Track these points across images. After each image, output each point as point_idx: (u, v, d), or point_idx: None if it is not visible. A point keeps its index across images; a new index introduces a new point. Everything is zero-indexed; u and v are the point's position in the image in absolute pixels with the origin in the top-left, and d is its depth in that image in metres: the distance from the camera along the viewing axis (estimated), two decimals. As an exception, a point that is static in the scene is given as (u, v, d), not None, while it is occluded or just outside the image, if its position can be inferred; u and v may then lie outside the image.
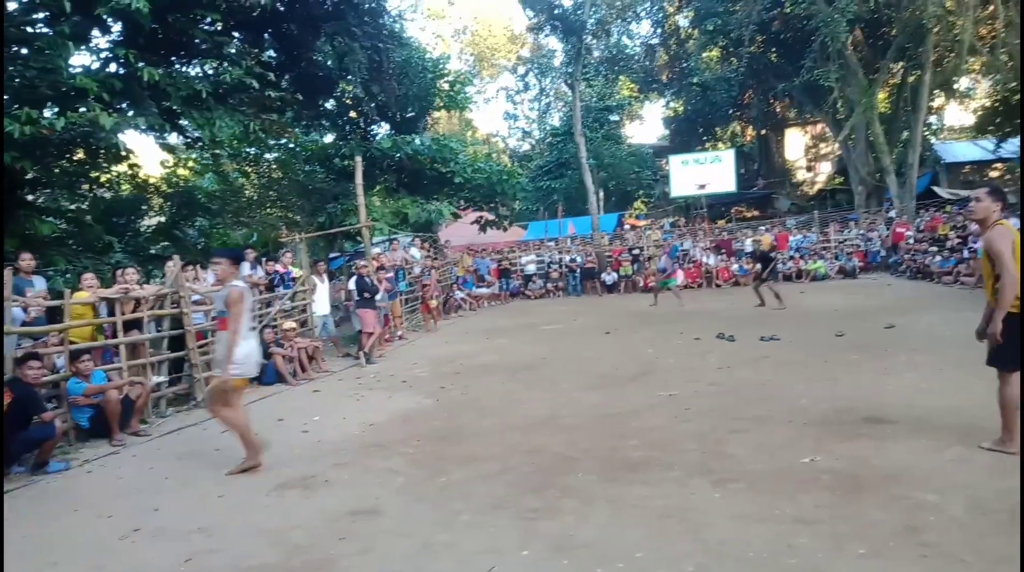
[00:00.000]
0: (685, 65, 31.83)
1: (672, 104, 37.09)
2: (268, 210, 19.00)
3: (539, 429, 5.80)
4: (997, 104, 25.42)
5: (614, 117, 35.57)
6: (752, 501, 3.88)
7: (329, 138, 19.71)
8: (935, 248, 17.18)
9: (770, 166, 37.17)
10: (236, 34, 12.74)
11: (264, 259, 11.27)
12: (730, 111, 33.56)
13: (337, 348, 11.36)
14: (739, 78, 29.62)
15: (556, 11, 22.77)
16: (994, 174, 28.98)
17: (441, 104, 20.68)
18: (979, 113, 28.77)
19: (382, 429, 6.26)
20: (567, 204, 31.09)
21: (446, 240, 21.44)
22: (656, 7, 30.71)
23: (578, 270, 21.49)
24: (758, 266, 14.51)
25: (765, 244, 15.18)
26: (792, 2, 23.12)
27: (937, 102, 28.99)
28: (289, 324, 9.72)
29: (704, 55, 31.68)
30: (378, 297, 10.98)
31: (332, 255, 19.01)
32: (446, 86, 20.15)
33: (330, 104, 18.46)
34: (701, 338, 10.08)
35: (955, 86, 27.12)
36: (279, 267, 11.01)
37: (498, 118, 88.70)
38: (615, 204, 34.52)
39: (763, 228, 24.00)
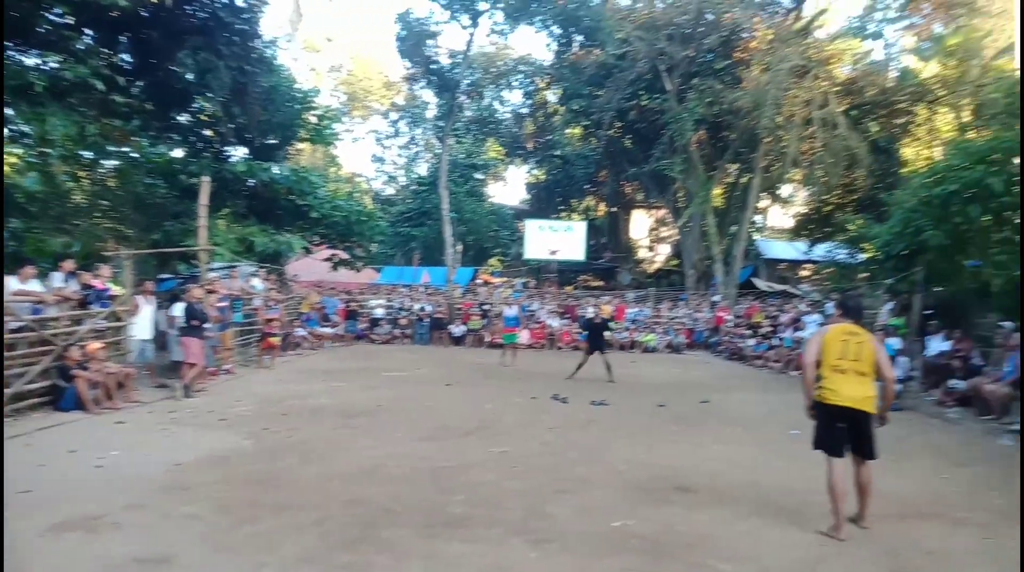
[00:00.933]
0: (550, 137, 33.55)
1: (535, 171, 38.72)
2: (96, 220, 17.28)
3: (364, 479, 5.61)
4: (812, 212, 28.95)
5: (479, 175, 36.54)
6: (565, 563, 3.97)
7: (178, 153, 18.50)
8: (749, 332, 18.97)
9: (617, 242, 39.61)
10: (88, 31, 11.77)
11: (81, 272, 10.19)
12: (586, 186, 35.57)
13: (152, 377, 10.39)
14: (596, 157, 31.70)
15: (433, 66, 23.26)
16: (804, 273, 32.76)
17: (306, 136, 20.15)
18: (796, 218, 32.59)
19: (189, 470, 5.75)
20: (424, 253, 31.17)
21: (294, 274, 20.59)
22: (528, 80, 32.30)
23: (427, 319, 21.39)
24: (584, 335, 14.75)
25: (605, 313, 15.84)
26: (648, 97, 25.24)
27: (763, 203, 32.46)
28: (95, 345, 8.76)
29: (568, 131, 33.54)
30: (207, 326, 10.26)
31: (163, 276, 17.59)
32: (313, 119, 19.72)
33: (184, 118, 17.41)
34: (538, 397, 10.33)
35: (778, 192, 30.64)
36: (96, 282, 9.99)
37: (365, 159, 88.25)
38: (471, 258, 35.07)
39: (605, 298, 25.35)
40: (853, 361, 4.53)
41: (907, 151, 27.12)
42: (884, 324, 12.94)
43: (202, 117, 17.37)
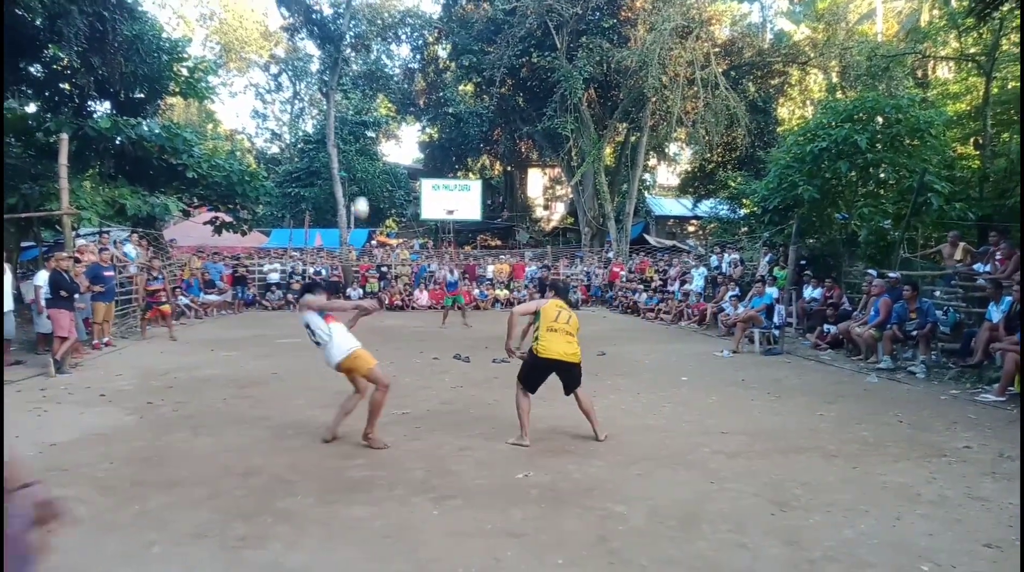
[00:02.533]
0: (442, 94, 32.88)
1: (428, 129, 37.99)
2: (-64, 182, 15.43)
3: (260, 450, 5.39)
4: (696, 170, 30.22)
5: (370, 133, 35.45)
6: (468, 517, 4.00)
7: (32, 108, 16.70)
8: (641, 287, 19.73)
9: (514, 201, 39.84)
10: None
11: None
12: (481, 145, 35.33)
13: (7, 354, 9.48)
14: (490, 115, 31.44)
15: (314, 16, 22.07)
16: (691, 229, 34.32)
17: (177, 90, 18.61)
18: (682, 176, 33.93)
19: (67, 450, 5.33)
20: (316, 214, 30.11)
21: (171, 239, 19.30)
22: (417, 34, 31.36)
23: (323, 283, 20.78)
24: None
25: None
26: (538, 54, 25.19)
27: (651, 162, 33.52)
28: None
29: (460, 88, 33.03)
30: (77, 296, 9.47)
31: (25, 244, 16.03)
32: (185, 71, 18.22)
33: (36, 69, 15.67)
34: (439, 358, 10.30)
35: (666, 150, 31.70)
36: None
37: (245, 115, 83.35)
38: (366, 219, 34.22)
39: (504, 256, 25.54)
40: (564, 325, 5.71)
41: (782, 110, 28.76)
42: (763, 275, 13.78)
43: (57, 68, 15.70)
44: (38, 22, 13.25)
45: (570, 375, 5.76)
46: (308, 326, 5.62)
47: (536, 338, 5.78)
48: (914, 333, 9.46)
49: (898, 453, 5.32)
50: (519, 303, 20.64)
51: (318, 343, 5.63)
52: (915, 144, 12.67)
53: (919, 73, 21.81)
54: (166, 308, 12.90)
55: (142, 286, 13.09)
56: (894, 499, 4.27)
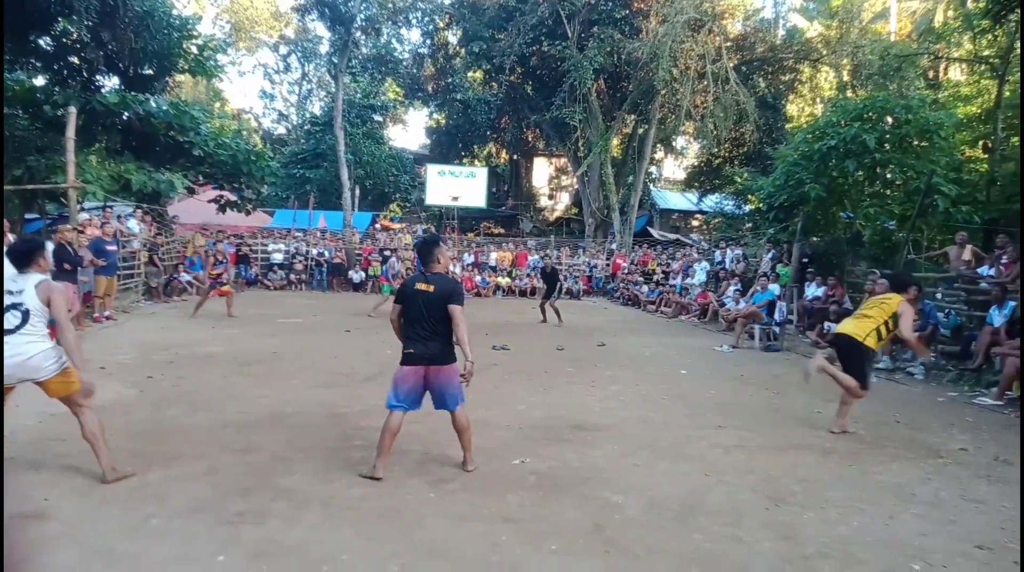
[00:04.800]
0: (451, 80, 32.67)
1: (435, 115, 37.78)
2: (-57, 152, 15.42)
3: (259, 427, 5.42)
4: (703, 165, 30.10)
5: (378, 117, 35.30)
6: (465, 501, 4.02)
7: (40, 81, 16.66)
8: (642, 279, 19.71)
9: (518, 189, 39.70)
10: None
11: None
12: (488, 132, 35.14)
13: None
14: (498, 103, 31.27)
15: (325, -3, 21.95)
16: (695, 223, 34.23)
17: (186, 67, 18.57)
18: (689, 170, 33.79)
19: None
20: (320, 196, 30.03)
21: (174, 215, 19.30)
22: (427, 19, 31.15)
23: (325, 265, 20.78)
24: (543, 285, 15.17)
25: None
26: (549, 43, 25.04)
27: (658, 155, 33.40)
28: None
29: (469, 75, 32.82)
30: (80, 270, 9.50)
31: (29, 216, 16.05)
32: (194, 49, 18.19)
33: (46, 42, 15.63)
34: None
35: (673, 143, 31.56)
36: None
37: (253, 95, 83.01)
38: (370, 203, 34.13)
39: (507, 244, 25.50)
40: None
41: (791, 107, 28.58)
42: (766, 271, 13.77)
43: (67, 41, 15.66)
44: (49, -6, 13.22)
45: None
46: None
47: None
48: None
49: (895, 453, 5.34)
50: (520, 291, 20.81)
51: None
52: (924, 146, 12.60)
53: (931, 74, 21.66)
54: (228, 289, 13.04)
55: (208, 268, 13.17)
56: (889, 498, 4.29)
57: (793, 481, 4.55)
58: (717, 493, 4.29)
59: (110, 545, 3.26)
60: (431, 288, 4.39)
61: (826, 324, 11.70)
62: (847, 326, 6.07)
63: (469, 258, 22.74)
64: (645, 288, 18.95)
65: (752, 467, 4.84)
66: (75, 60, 16.30)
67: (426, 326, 4.37)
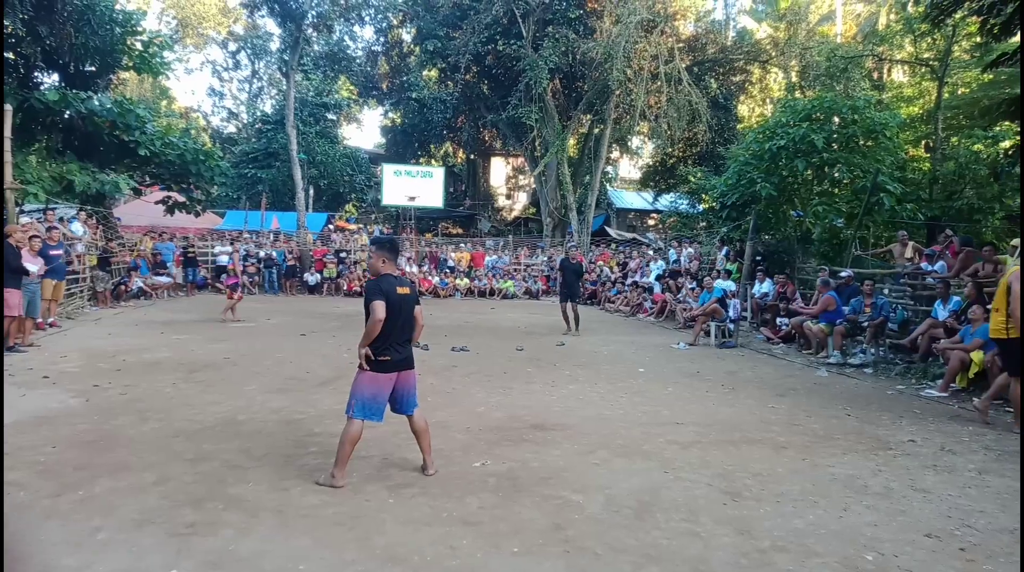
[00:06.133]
0: (406, 79, 32.44)
1: (391, 114, 37.46)
2: None
3: (210, 435, 5.26)
4: (657, 164, 30.51)
5: (331, 115, 34.84)
6: (424, 505, 3.96)
7: (-28, 76, 15.93)
8: (601, 277, 19.87)
9: (476, 189, 39.63)
10: None
11: None
12: (444, 131, 35.00)
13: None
14: (454, 102, 31.18)
15: (275, -8, 21.52)
16: (651, 222, 34.66)
17: (131, 64, 17.98)
18: (644, 169, 34.21)
19: (7, 433, 5.09)
20: (273, 197, 29.50)
21: (118, 218, 18.67)
22: (380, 16, 30.84)
23: (275, 267, 20.38)
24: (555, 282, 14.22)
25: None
26: (504, 42, 25.05)
27: (614, 155, 33.72)
28: None
29: (424, 73, 32.64)
30: (34, 269, 9.14)
31: (-39, 220, 15.32)
32: (139, 45, 17.62)
33: (-23, 35, 14.94)
34: (397, 345, 10.19)
35: (628, 143, 31.91)
36: None
37: (201, 93, 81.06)
38: (325, 204, 33.65)
39: (465, 245, 25.42)
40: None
41: (743, 108, 29.19)
42: (719, 269, 14.02)
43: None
44: (-20, -15, 12.62)
45: None
46: None
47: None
48: (865, 323, 9.77)
49: (846, 445, 5.47)
50: (479, 292, 20.76)
51: None
52: (870, 145, 13.00)
53: (875, 75, 22.38)
54: (239, 295, 13.25)
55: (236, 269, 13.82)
56: (842, 490, 4.39)
57: (748, 476, 4.62)
58: (674, 489, 4.33)
59: (52, 561, 3.11)
60: (408, 291, 4.31)
61: (778, 320, 11.98)
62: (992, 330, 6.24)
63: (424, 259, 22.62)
64: (608, 285, 19.07)
65: (708, 462, 4.90)
66: (10, 56, 15.63)
67: (405, 331, 4.30)
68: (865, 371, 9.17)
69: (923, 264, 10.74)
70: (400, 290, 4.25)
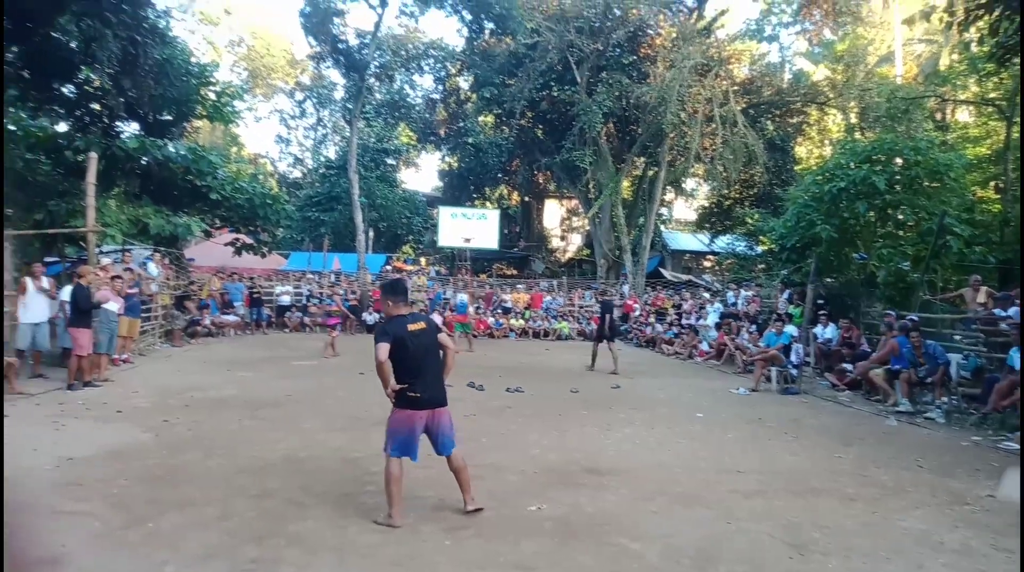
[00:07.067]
0: (462, 124, 33.32)
1: (447, 158, 38.39)
2: (-31, 197, 15.77)
3: (272, 472, 5.40)
4: (713, 206, 30.28)
5: (391, 160, 35.89)
6: (479, 548, 3.97)
7: (63, 127, 17.10)
8: (654, 320, 19.64)
9: (530, 231, 40.00)
10: (-51, -13, 10.62)
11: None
12: (499, 174, 35.65)
13: (35, 366, 9.60)
14: (509, 146, 31.80)
15: (340, 45, 22.54)
16: (707, 264, 34.23)
17: (204, 113, 19.05)
18: (699, 211, 33.97)
19: (82, 465, 5.37)
20: (335, 239, 30.39)
21: (191, 258, 19.54)
22: (439, 65, 31.96)
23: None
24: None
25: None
26: (559, 88, 25.54)
27: (668, 196, 33.65)
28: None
29: (480, 119, 33.48)
30: (115, 307, 9.69)
31: (49, 259, 16.29)
32: (212, 95, 18.67)
33: (68, 90, 16.09)
34: (453, 385, 10.24)
35: (683, 185, 31.84)
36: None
37: (269, 139, 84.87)
38: (384, 245, 34.47)
39: (519, 286, 25.58)
40: None
41: (800, 149, 28.84)
42: (781, 313, 13.69)
43: (88, 89, 16.11)
44: (73, 44, 13.65)
45: None
46: None
47: None
48: (928, 380, 9.36)
49: (919, 499, 5.22)
50: (533, 333, 20.76)
51: None
52: (934, 186, 12.64)
53: (939, 116, 21.84)
54: (335, 332, 14.45)
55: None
56: (915, 546, 4.19)
57: (815, 528, 4.46)
58: (737, 540, 4.21)
59: (126, 593, 3.23)
60: (423, 326, 4.41)
61: (844, 366, 11.59)
62: None
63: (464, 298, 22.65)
64: (660, 327, 18.81)
65: (772, 513, 4.75)
66: (97, 107, 16.73)
67: (430, 367, 4.38)
68: (937, 421, 8.76)
69: (996, 310, 10.27)
70: (412, 327, 4.34)
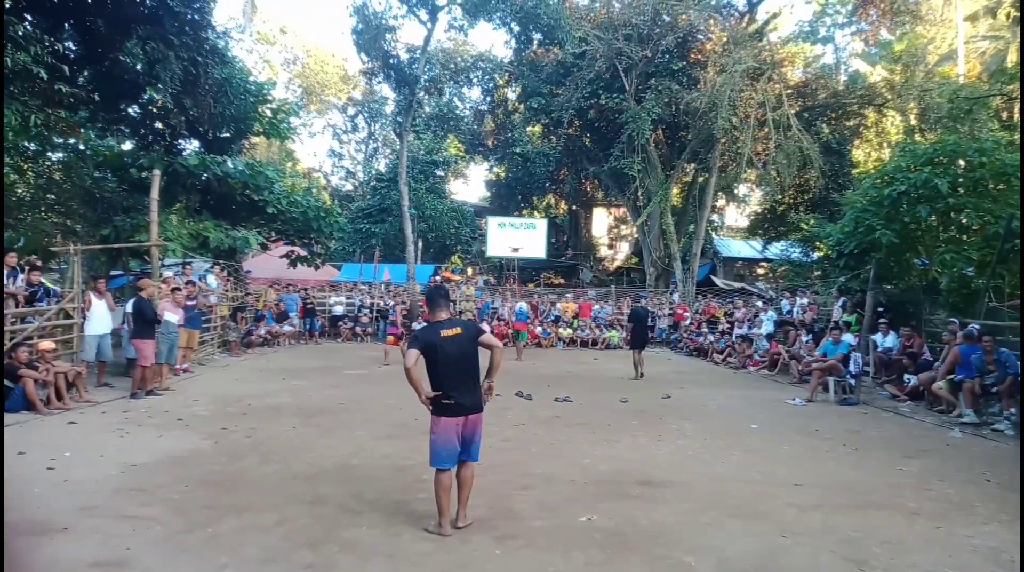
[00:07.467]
0: (510, 135, 33.53)
1: (495, 168, 38.68)
2: (42, 214, 16.64)
3: (325, 478, 5.52)
4: (766, 212, 29.62)
5: (439, 172, 36.32)
6: (530, 558, 3.96)
7: (128, 145, 17.91)
8: (706, 329, 19.29)
9: (578, 239, 39.89)
10: (29, 16, 11.26)
11: (28, 268, 9.80)
12: (547, 184, 35.70)
13: (101, 376, 10.05)
14: (557, 155, 31.82)
15: (391, 61, 22.97)
16: (760, 271, 33.51)
17: (261, 130, 19.69)
18: (752, 217, 33.26)
19: (145, 471, 5.58)
20: (385, 250, 30.89)
21: (247, 270, 20.16)
22: (487, 77, 32.26)
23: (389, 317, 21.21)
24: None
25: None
26: (607, 96, 25.44)
27: (719, 203, 33.10)
28: (46, 344, 8.47)
29: (528, 129, 33.62)
30: (175, 320, 10.06)
31: (114, 273, 17.04)
32: (268, 112, 19.29)
33: (133, 110, 16.85)
34: (501, 394, 10.29)
35: (735, 191, 31.26)
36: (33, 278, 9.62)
37: (322, 154, 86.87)
38: (432, 255, 34.87)
39: (568, 295, 25.50)
40: None
41: (857, 152, 28.00)
42: (837, 321, 13.29)
43: (152, 109, 16.84)
44: (138, 67, 14.30)
45: None
46: None
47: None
48: (994, 388, 8.92)
49: (987, 514, 4.99)
50: (581, 342, 20.64)
51: None
52: (1001, 189, 12.08)
53: (1005, 115, 20.90)
54: (392, 341, 14.77)
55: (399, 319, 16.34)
56: (983, 564, 4.00)
57: (876, 543, 4.30)
58: (794, 555, 4.10)
59: (187, 595, 3.34)
60: (458, 331, 4.40)
61: (905, 376, 11.17)
62: None
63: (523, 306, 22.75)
64: (711, 337, 18.48)
65: (831, 528, 4.61)
66: (160, 126, 17.47)
67: (466, 372, 4.37)
68: (1006, 433, 8.34)
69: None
70: (445, 333, 4.34)
